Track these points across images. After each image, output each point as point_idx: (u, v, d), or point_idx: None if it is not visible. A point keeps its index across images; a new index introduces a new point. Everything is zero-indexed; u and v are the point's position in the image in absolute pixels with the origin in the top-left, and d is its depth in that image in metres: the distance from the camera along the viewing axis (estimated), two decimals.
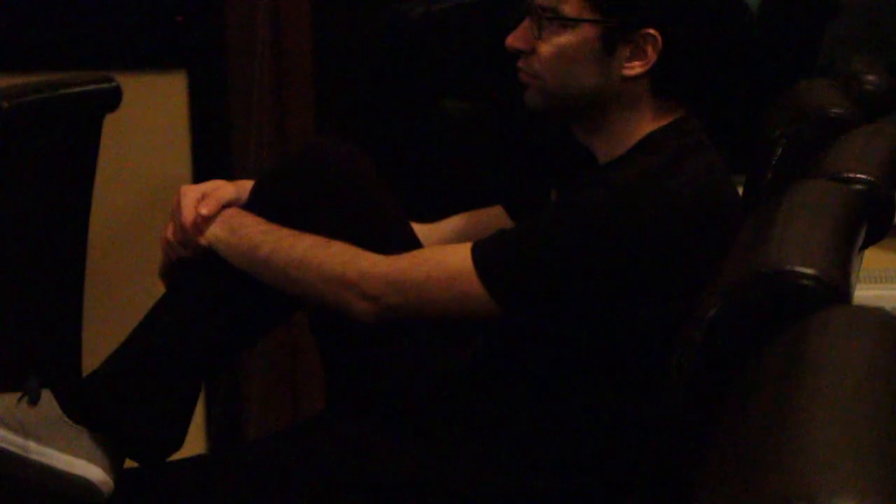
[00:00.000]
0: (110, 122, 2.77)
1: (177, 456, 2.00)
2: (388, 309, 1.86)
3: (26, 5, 3.24)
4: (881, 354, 0.96)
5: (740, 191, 2.05)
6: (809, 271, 1.18)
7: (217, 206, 1.96)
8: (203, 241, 1.95)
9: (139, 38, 3.22)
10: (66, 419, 1.89)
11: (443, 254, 1.90)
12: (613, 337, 1.85)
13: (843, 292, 1.18)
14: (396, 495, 1.91)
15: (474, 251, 1.84)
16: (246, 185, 2.03)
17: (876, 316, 1.04)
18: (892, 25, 3.52)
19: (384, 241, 1.92)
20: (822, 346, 1.00)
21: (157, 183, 3.19)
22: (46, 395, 1.90)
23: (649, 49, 1.87)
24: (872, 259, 2.17)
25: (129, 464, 1.96)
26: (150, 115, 3.18)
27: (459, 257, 1.84)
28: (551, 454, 1.89)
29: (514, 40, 1.93)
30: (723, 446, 0.93)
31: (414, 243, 2.02)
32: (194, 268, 1.98)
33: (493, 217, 2.12)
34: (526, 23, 1.92)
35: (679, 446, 1.31)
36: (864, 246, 1.53)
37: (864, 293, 3.00)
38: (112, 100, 2.76)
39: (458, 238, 2.08)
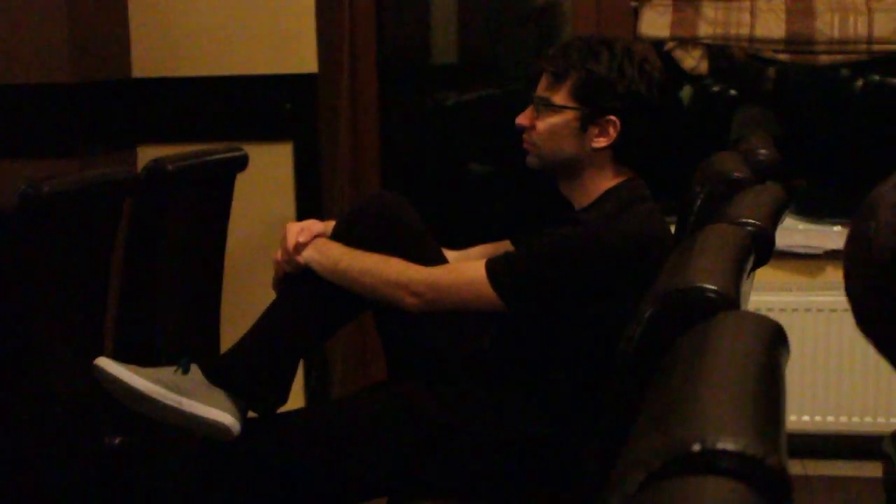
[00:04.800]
0: (240, 179, 2.80)
1: (284, 409, 2.01)
2: (428, 303, 1.88)
3: (183, 98, 3.28)
4: (757, 344, 0.94)
5: (673, 229, 2.05)
6: (712, 287, 1.17)
7: (311, 236, 1.97)
8: (301, 260, 1.96)
9: (261, 119, 3.25)
10: (208, 383, 1.90)
11: (466, 266, 1.91)
12: (581, 328, 1.86)
13: (734, 302, 1.16)
14: (436, 435, 1.92)
15: (487, 265, 1.86)
16: (331, 223, 2.04)
17: (755, 318, 1.03)
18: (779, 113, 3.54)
19: (424, 261, 1.93)
20: (718, 338, 0.98)
21: (271, 221, 3.19)
22: (194, 367, 1.92)
23: (611, 130, 1.89)
24: (763, 275, 2.16)
25: (251, 415, 1.97)
26: (267, 174, 3.19)
27: (477, 269, 1.86)
28: (541, 408, 1.90)
29: (520, 119, 1.95)
30: (650, 405, 0.90)
31: (444, 262, 2.02)
32: (296, 280, 1.99)
33: (504, 248, 2.12)
34: (529, 108, 1.95)
35: (623, 405, 1.29)
36: (754, 268, 1.52)
37: (757, 298, 2.99)
38: (242, 163, 2.77)
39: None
